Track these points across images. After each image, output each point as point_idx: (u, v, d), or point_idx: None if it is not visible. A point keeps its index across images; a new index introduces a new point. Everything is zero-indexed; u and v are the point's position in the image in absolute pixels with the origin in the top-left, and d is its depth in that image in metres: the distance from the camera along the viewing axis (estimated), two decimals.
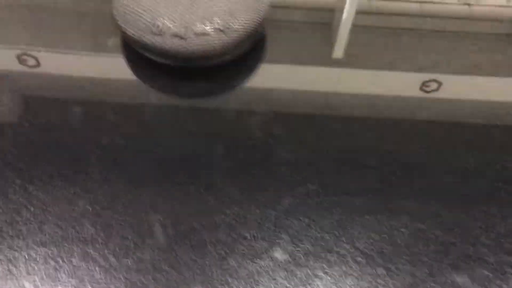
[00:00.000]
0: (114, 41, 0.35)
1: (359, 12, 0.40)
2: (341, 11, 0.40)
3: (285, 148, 0.30)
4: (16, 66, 0.34)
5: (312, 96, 0.34)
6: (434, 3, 0.42)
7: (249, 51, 0.33)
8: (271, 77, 0.35)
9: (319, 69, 0.36)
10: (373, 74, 0.36)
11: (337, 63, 0.37)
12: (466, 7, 0.42)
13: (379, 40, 0.38)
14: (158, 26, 0.29)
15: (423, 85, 0.35)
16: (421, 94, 0.35)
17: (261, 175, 0.29)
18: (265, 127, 0.31)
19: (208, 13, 0.30)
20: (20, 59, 0.34)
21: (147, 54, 0.31)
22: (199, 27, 0.29)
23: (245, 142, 0.30)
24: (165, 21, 0.30)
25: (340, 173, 0.29)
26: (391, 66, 0.36)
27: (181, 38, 0.29)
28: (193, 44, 0.29)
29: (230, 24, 0.30)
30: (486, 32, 0.40)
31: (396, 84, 0.36)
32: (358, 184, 0.28)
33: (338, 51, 0.37)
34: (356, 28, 0.39)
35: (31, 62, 0.34)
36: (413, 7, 0.42)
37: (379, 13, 0.41)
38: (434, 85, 0.35)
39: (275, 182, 0.28)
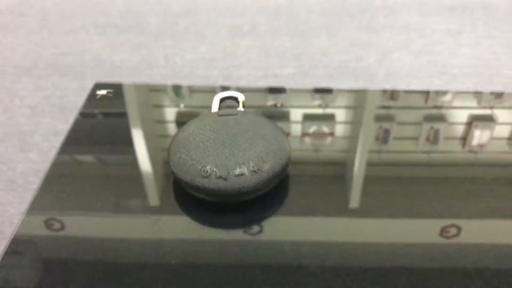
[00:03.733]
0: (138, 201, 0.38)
1: (370, 164, 0.42)
2: (352, 164, 0.42)
3: None
4: (42, 231, 0.36)
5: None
6: (442, 152, 0.44)
7: (276, 187, 0.42)
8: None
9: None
10: (390, 222, 0.36)
11: (352, 213, 0.38)
12: (471, 154, 0.44)
13: (392, 189, 0.40)
14: (206, 171, 0.39)
15: (443, 231, 0.35)
16: (441, 240, 0.34)
17: None
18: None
19: (244, 159, 0.39)
20: (47, 223, 0.37)
21: (196, 193, 0.40)
22: (238, 170, 0.39)
23: None
24: (212, 167, 0.39)
25: None
26: (407, 213, 0.37)
27: (224, 179, 0.38)
28: (233, 183, 0.38)
29: (261, 166, 0.39)
30: (497, 177, 0.41)
31: (414, 231, 0.36)
32: None
33: (354, 202, 0.39)
34: (368, 179, 0.40)
35: (56, 226, 0.37)
36: (422, 157, 0.44)
37: (390, 164, 0.43)
38: (453, 231, 0.35)
39: None
